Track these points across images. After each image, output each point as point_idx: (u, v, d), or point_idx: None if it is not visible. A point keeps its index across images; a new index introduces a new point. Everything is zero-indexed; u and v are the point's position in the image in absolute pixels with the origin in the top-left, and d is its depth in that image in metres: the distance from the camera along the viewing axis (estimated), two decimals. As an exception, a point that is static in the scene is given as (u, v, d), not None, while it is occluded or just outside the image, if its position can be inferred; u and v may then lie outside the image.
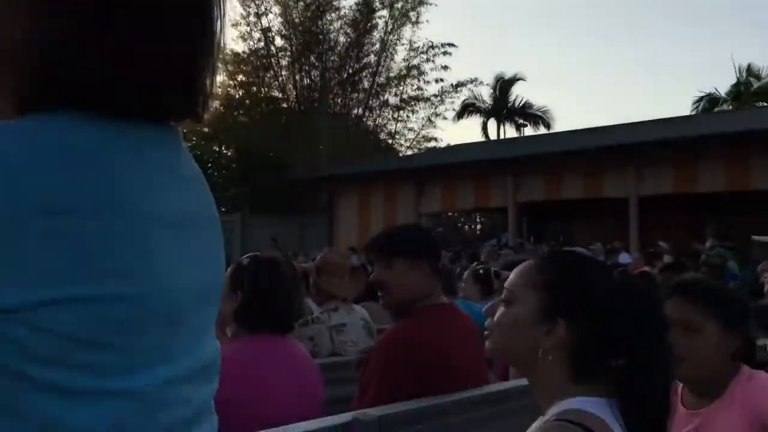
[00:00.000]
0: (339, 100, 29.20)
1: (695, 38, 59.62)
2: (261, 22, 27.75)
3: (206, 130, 28.79)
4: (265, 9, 27.57)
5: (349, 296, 3.79)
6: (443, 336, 2.33)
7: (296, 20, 27.85)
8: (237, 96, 28.66)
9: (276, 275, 2.42)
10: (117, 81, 0.72)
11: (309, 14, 27.71)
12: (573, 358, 1.27)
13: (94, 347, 0.68)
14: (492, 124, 34.78)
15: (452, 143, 28.64)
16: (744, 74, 28.94)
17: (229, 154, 29.01)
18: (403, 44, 28.96)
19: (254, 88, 28.83)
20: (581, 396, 1.24)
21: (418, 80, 29.18)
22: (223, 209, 27.00)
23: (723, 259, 9.26)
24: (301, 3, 27.80)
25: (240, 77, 28.52)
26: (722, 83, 31.33)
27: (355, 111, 29.51)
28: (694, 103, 30.00)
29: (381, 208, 19.43)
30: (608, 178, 15.95)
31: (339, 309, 3.69)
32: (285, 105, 29.00)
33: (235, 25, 28.20)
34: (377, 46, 28.65)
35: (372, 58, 28.78)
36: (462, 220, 32.70)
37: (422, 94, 29.43)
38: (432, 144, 30.30)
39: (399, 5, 28.22)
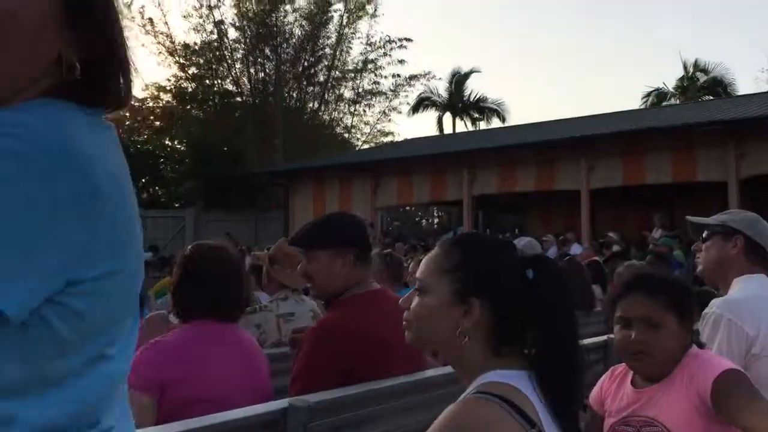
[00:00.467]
0: (294, 94, 29.04)
1: (645, 34, 60.81)
2: (213, 14, 27.43)
3: (158, 123, 28.38)
4: (218, 1, 27.24)
5: (299, 287, 3.77)
6: (372, 322, 2.35)
7: (250, 12, 27.58)
8: (189, 89, 28.27)
9: (214, 261, 2.41)
10: (100, 77, 0.88)
11: (263, 6, 27.46)
12: (490, 334, 1.31)
13: (116, 321, 0.87)
14: (447, 118, 35.00)
15: (408, 137, 28.76)
16: (691, 69, 29.62)
17: (182, 148, 28.61)
18: (359, 38, 28.96)
19: (207, 81, 28.48)
20: (501, 369, 1.27)
21: (375, 74, 29.21)
22: (176, 204, 26.64)
23: (669, 248, 9.50)
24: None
25: (192, 70, 28.14)
26: (670, 78, 32.11)
27: (311, 105, 29.39)
28: (643, 97, 30.63)
29: (336, 203, 19.38)
30: (560, 171, 16.18)
31: (288, 298, 3.68)
32: (239, 99, 28.72)
33: (186, 16, 27.86)
34: (333, 39, 28.57)
35: (328, 51, 28.69)
36: (419, 214, 32.86)
37: (378, 88, 29.48)
38: (388, 138, 30.36)
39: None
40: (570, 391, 1.29)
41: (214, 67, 28.12)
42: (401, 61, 28.90)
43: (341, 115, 30.25)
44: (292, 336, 2.78)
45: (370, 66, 29.06)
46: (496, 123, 33.55)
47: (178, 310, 2.42)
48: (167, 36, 27.36)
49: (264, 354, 2.63)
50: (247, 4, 27.51)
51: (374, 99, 29.70)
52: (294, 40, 28.32)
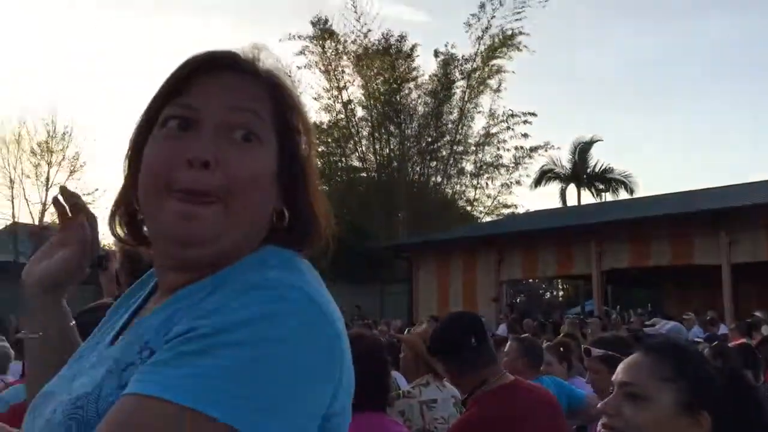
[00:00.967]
0: (418, 168, 29.53)
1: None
2: (342, 96, 28.62)
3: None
4: (346, 82, 28.46)
5: (441, 372, 3.73)
6: (510, 419, 2.42)
7: (376, 92, 28.59)
8: (318, 165, 29.33)
9: (361, 349, 2.44)
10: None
11: (389, 86, 28.41)
12: None
13: None
14: (571, 189, 34.33)
15: (531, 209, 28.41)
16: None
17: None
18: (480, 112, 29.27)
19: (334, 157, 29.50)
20: None
21: (497, 148, 29.31)
22: (302, 277, 27.35)
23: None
24: (381, 77, 28.59)
25: (321, 148, 29.28)
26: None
27: (434, 179, 29.74)
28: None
29: (460, 276, 19.28)
30: (698, 245, 15.41)
31: (430, 384, 3.63)
32: (364, 174, 29.51)
33: (317, 98, 29.21)
34: (455, 114, 29.02)
35: (450, 126, 29.13)
36: (543, 287, 32.07)
37: (499, 161, 29.50)
38: (510, 211, 30.12)
39: (477, 74, 28.64)
40: None
41: (342, 144, 29.16)
42: (524, 135, 28.89)
43: (463, 188, 30.41)
44: None
45: (492, 139, 29.22)
46: (622, 194, 32.58)
47: None
48: (300, 116, 28.79)
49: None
50: (374, 84, 28.56)
51: (496, 172, 29.71)
52: (418, 117, 29.00)
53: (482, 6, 28.49)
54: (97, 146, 35.95)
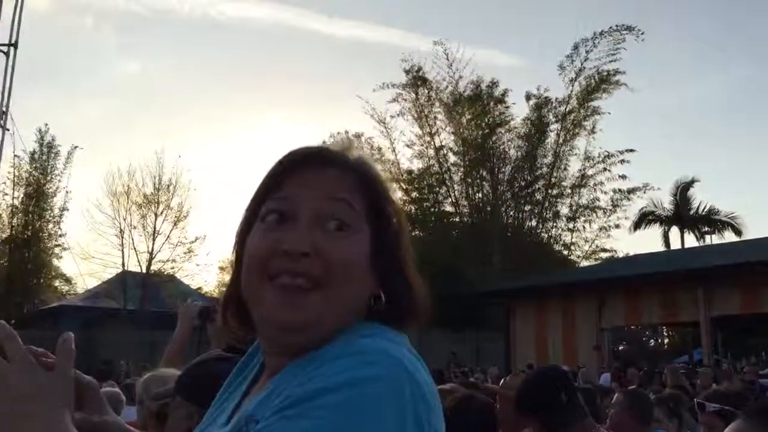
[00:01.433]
0: (512, 213, 29.21)
1: None
2: (434, 141, 28.82)
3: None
4: (438, 128, 28.68)
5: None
6: None
7: (468, 137, 28.64)
8: (410, 211, 29.52)
9: (474, 415, 2.49)
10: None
11: (481, 131, 28.43)
12: None
13: None
14: (673, 231, 33.01)
15: (630, 253, 27.45)
16: None
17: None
18: (576, 154, 28.76)
19: (426, 203, 29.59)
20: None
21: (594, 190, 28.65)
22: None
23: None
24: (473, 122, 28.66)
25: (414, 194, 29.46)
26: None
27: (528, 223, 29.30)
28: None
29: (559, 323, 18.77)
30: (817, 290, 14.45)
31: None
32: (457, 219, 29.43)
33: (409, 145, 29.53)
34: (550, 158, 28.65)
35: (545, 169, 28.76)
36: (647, 334, 30.79)
37: (596, 203, 28.78)
38: (609, 255, 29.20)
39: (572, 117, 28.28)
40: None
41: (435, 190, 29.26)
42: (622, 177, 28.13)
43: (559, 232, 29.78)
44: None
45: (588, 181, 28.60)
46: (729, 236, 31.06)
47: None
48: (394, 163, 29.13)
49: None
50: (466, 130, 28.66)
51: (593, 215, 28.98)
52: (510, 161, 28.81)
53: (576, 48, 28.28)
54: (199, 195, 37.42)
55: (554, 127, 28.69)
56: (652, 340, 32.48)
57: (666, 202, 32.60)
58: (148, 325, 23.60)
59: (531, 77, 61.46)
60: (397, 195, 1.08)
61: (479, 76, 28.93)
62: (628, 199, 28.78)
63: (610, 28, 28.09)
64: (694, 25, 49.79)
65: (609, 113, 28.76)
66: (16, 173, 27.66)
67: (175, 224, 27.72)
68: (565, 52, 29.82)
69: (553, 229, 29.59)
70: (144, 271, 27.64)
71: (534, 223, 29.28)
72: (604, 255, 29.23)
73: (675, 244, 32.11)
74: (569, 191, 28.98)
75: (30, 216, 28.28)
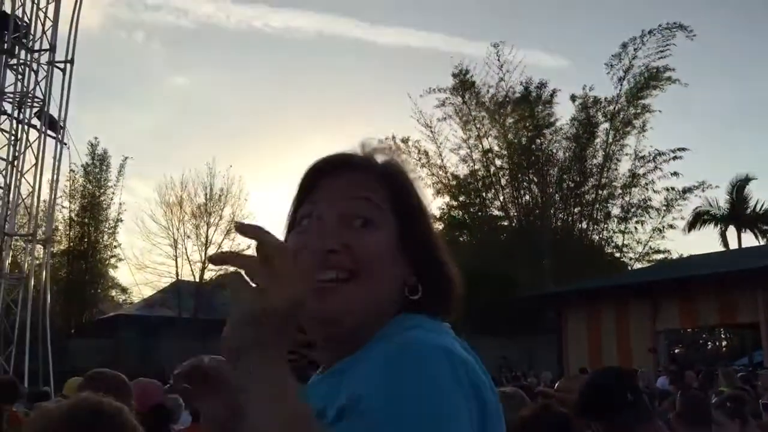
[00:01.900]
0: (561, 215, 28.83)
1: None
2: (482, 144, 28.65)
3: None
4: (486, 132, 28.49)
5: None
6: None
7: (515, 140, 28.40)
8: (458, 216, 29.38)
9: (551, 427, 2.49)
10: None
11: (529, 133, 28.16)
12: None
13: None
14: (730, 231, 32.11)
15: (685, 254, 26.81)
16: None
17: (453, 273, 29.49)
18: (627, 154, 28.26)
19: (473, 208, 29.40)
20: None
21: (645, 189, 28.09)
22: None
23: None
24: (521, 124, 28.41)
25: (462, 198, 29.32)
26: None
27: (579, 225, 28.88)
28: None
29: (613, 326, 18.45)
30: None
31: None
32: (506, 222, 29.17)
33: (454, 149, 29.38)
34: (599, 158, 28.21)
35: (594, 170, 28.32)
36: (704, 336, 30.05)
37: (648, 203, 28.21)
38: (662, 256, 28.56)
39: (621, 116, 27.82)
40: None
41: (482, 195, 29.06)
42: (675, 174, 27.51)
43: (611, 234, 29.26)
44: None
45: (639, 181, 28.06)
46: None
47: None
48: (441, 167, 29.04)
49: None
50: (513, 132, 28.43)
51: (646, 215, 28.39)
52: (559, 162, 28.46)
53: (624, 46, 27.83)
54: (252, 204, 37.93)
55: (603, 127, 28.28)
56: (709, 343, 31.67)
57: (721, 201, 31.78)
58: (202, 333, 24.01)
59: (574, 78, 60.59)
60: (425, 192, 1.15)
61: (529, 77, 28.71)
62: (683, 199, 28.14)
63: (659, 26, 27.60)
64: (749, 19, 48.47)
65: (660, 111, 28.22)
66: (72, 186, 28.52)
67: (227, 234, 28.14)
68: (607, 52, 29.39)
69: (604, 231, 29.12)
70: (197, 280, 28.12)
71: (584, 225, 28.85)
72: (657, 257, 28.63)
73: (732, 244, 31.27)
74: (620, 191, 28.49)
75: (86, 228, 29.08)
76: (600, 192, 28.26)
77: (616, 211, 28.71)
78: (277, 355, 0.83)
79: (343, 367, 0.97)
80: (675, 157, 27.41)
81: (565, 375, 12.76)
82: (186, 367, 1.26)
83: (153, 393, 3.83)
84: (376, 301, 1.01)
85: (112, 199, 29.50)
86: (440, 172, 28.99)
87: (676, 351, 22.44)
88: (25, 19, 17.17)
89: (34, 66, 17.13)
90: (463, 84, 28.71)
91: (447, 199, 29.32)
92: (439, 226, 29.89)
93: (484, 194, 29.20)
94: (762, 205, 31.48)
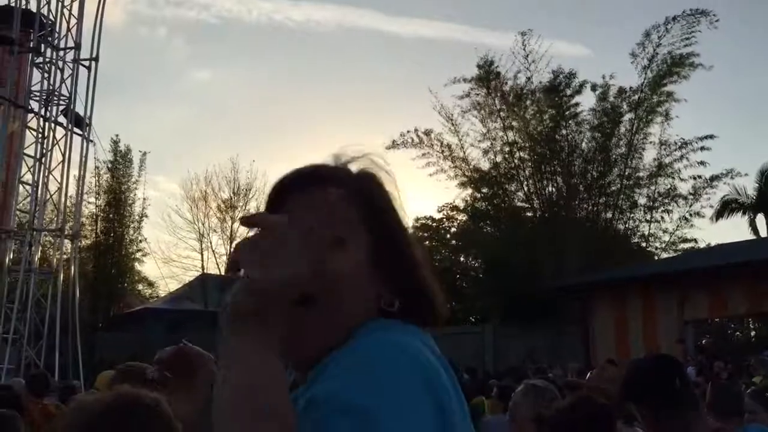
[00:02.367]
0: (585, 205, 28.58)
1: None
2: (507, 136, 28.47)
3: (453, 242, 29.66)
4: (511, 123, 28.27)
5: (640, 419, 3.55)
6: None
7: (534, 132, 28.16)
8: (482, 207, 29.26)
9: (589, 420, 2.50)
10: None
11: (553, 123, 27.92)
12: None
13: None
14: (760, 219, 31.59)
15: (713, 243, 26.46)
16: None
17: (476, 264, 29.43)
18: (651, 142, 27.91)
19: (497, 200, 29.26)
20: None
21: (672, 178, 27.74)
22: (471, 319, 27.17)
23: None
24: (545, 115, 28.15)
25: (484, 189, 29.18)
26: None
27: (604, 215, 28.61)
28: None
29: (639, 317, 18.28)
30: None
31: (619, 432, 3.45)
32: (530, 213, 28.99)
33: (474, 145, 29.17)
34: (623, 148, 27.89)
35: (618, 160, 28.02)
36: (732, 326, 29.69)
37: (675, 192, 27.84)
38: (690, 246, 28.21)
39: (645, 104, 27.47)
40: None
41: (505, 186, 28.89)
42: (701, 163, 27.12)
43: (637, 224, 28.96)
44: None
45: (666, 170, 27.70)
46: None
47: None
48: (463, 160, 28.91)
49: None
50: (537, 122, 28.19)
51: (673, 204, 28.04)
52: (582, 152, 28.19)
53: (647, 35, 27.44)
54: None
55: (628, 116, 27.93)
56: (737, 333, 31.29)
57: (750, 189, 31.28)
58: (228, 326, 24.13)
59: (594, 67, 60.02)
60: (402, 202, 1.11)
61: (559, 66, 28.39)
62: (711, 187, 27.72)
63: (683, 12, 27.14)
64: (775, 3, 47.55)
65: (685, 100, 27.81)
66: (97, 182, 28.85)
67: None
68: (628, 40, 28.94)
69: (630, 221, 28.81)
70: (223, 273, 28.35)
71: (609, 215, 28.57)
72: (685, 246, 28.28)
73: (763, 232, 30.78)
74: (646, 180, 28.16)
75: (112, 223, 29.43)
76: (625, 182, 27.96)
77: (642, 200, 28.42)
78: (259, 329, 0.88)
79: (312, 375, 0.97)
80: (702, 148, 27.04)
81: (593, 366, 12.68)
82: (167, 352, 1.27)
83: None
84: (343, 324, 0.99)
85: (135, 194, 29.83)
86: (463, 165, 28.85)
87: (704, 342, 22.15)
88: (50, 17, 17.38)
89: (60, 64, 17.35)
90: (488, 74, 28.48)
91: (470, 191, 29.18)
92: (462, 217, 29.82)
93: (507, 186, 29.02)
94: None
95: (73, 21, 17.58)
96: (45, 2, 17.32)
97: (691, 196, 27.61)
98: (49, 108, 17.06)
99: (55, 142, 17.12)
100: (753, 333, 30.31)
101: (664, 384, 2.43)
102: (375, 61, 49.67)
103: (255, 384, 0.86)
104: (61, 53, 17.48)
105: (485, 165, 29.08)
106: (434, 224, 29.72)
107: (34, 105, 17.12)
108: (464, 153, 29.22)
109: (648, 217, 28.40)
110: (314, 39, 48.39)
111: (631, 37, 34.00)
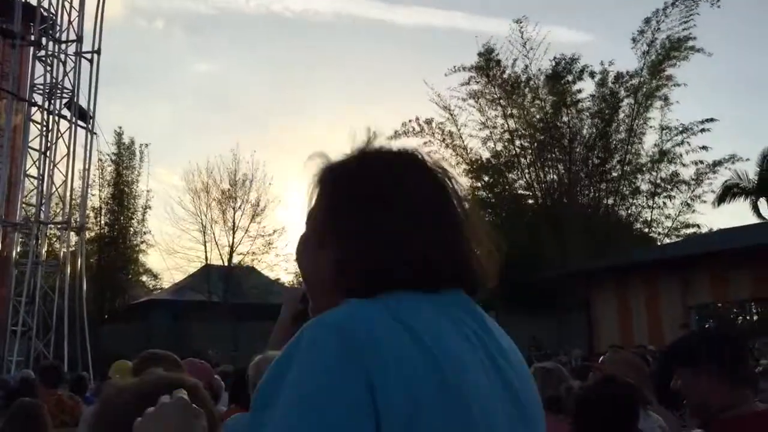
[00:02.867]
0: (586, 192, 28.58)
1: None
2: (508, 123, 28.44)
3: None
4: (512, 111, 28.24)
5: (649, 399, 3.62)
6: None
7: (534, 120, 28.13)
8: (483, 195, 29.25)
9: (609, 400, 2.55)
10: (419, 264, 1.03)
11: (553, 110, 27.89)
12: None
13: None
14: (762, 203, 31.57)
15: (715, 228, 26.49)
16: None
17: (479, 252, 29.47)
18: (651, 127, 27.89)
19: (498, 188, 29.25)
20: None
21: (674, 164, 27.73)
22: (476, 307, 27.22)
23: None
24: (545, 102, 28.11)
25: (485, 178, 29.18)
26: None
27: (606, 201, 28.63)
28: None
29: (643, 302, 18.34)
30: None
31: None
32: (531, 201, 29.00)
33: (481, 128, 29.18)
34: (623, 133, 27.88)
35: (619, 145, 28.02)
36: (735, 311, 29.74)
37: (677, 177, 27.84)
38: (692, 231, 28.23)
39: (644, 89, 27.41)
40: None
41: (506, 174, 28.89)
42: (703, 148, 27.11)
43: (639, 210, 28.98)
44: None
45: (667, 156, 27.68)
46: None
47: None
48: (464, 148, 28.90)
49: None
50: (537, 109, 28.16)
51: (675, 189, 28.05)
52: (583, 139, 28.17)
53: (647, 21, 27.37)
54: (278, 189, 38.10)
55: (627, 102, 27.89)
56: (740, 318, 31.34)
57: (751, 173, 31.25)
58: (232, 316, 24.29)
59: (595, 53, 59.78)
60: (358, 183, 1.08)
61: (561, 53, 28.34)
62: (713, 172, 27.70)
63: (683, -6, 27.03)
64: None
65: (685, 84, 27.76)
66: (101, 174, 28.90)
67: (252, 218, 28.36)
68: (629, 25, 28.87)
69: (632, 207, 28.84)
70: (226, 264, 28.43)
71: (611, 201, 28.59)
72: (687, 231, 28.31)
73: (765, 216, 30.76)
74: (648, 166, 28.15)
75: (115, 215, 29.48)
76: (626, 168, 27.96)
77: (644, 186, 28.43)
78: None
79: None
80: (703, 130, 27.01)
81: (596, 352, 12.77)
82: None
83: (204, 372, 3.94)
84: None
85: (138, 186, 29.88)
86: (464, 153, 28.85)
87: (707, 327, 22.17)
88: (51, 10, 17.36)
89: (62, 57, 17.35)
90: (488, 62, 28.43)
91: (471, 179, 29.17)
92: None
93: (507, 174, 29.03)
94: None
95: (74, 14, 17.57)
96: (45, -5, 17.30)
97: (693, 182, 27.64)
98: (52, 101, 17.09)
99: (60, 135, 17.15)
100: (756, 317, 30.34)
101: (718, 352, 2.27)
102: (374, 50, 49.58)
103: None
104: (63, 46, 17.48)
105: (485, 154, 29.13)
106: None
107: (38, 98, 17.14)
108: (462, 141, 29.25)
109: (650, 202, 28.46)
110: (313, 28, 48.29)
111: (634, 22, 33.91)
